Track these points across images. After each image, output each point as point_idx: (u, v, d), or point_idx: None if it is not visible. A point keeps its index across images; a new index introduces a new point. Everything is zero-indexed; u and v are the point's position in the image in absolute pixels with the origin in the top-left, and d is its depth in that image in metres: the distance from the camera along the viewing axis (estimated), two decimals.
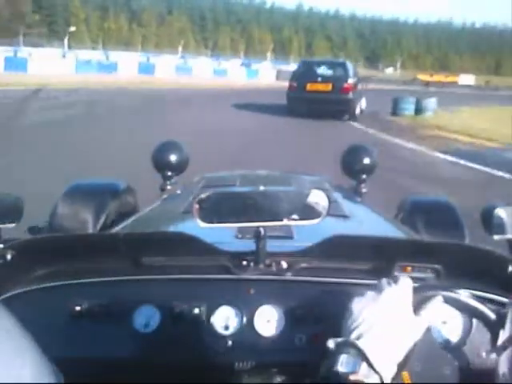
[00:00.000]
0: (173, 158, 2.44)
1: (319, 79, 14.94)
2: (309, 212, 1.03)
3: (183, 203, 1.72)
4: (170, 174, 2.44)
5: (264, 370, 1.02)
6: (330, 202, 1.05)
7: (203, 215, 1.02)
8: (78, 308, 1.04)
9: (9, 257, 1.06)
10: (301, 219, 1.04)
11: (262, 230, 1.05)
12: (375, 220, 1.87)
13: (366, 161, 2.44)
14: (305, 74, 15.35)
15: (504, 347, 0.75)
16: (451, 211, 2.22)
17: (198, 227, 1.03)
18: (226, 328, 1.04)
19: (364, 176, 2.43)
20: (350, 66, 16.02)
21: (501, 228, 1.22)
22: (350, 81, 14.93)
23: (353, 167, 2.46)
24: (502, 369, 0.71)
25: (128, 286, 1.10)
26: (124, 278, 1.10)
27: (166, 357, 1.02)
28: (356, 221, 1.68)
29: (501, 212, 1.22)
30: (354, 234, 1.16)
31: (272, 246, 1.09)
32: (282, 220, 1.03)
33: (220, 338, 1.03)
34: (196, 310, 1.04)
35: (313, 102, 14.45)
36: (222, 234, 1.24)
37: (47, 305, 1.06)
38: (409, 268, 1.09)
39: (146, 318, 1.04)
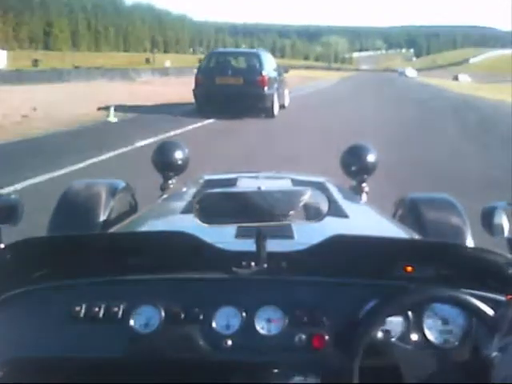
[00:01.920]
0: (173, 158, 2.48)
1: (229, 72, 13.16)
2: (309, 212, 1.05)
3: (183, 203, 1.73)
4: (170, 173, 2.49)
5: (264, 370, 1.02)
6: (330, 202, 1.06)
7: (203, 215, 1.03)
8: (77, 308, 1.04)
9: (8, 257, 1.06)
10: (301, 219, 1.05)
11: (262, 229, 1.05)
12: (375, 220, 1.86)
13: (366, 160, 2.45)
14: (213, 67, 13.57)
15: (503, 348, 0.75)
16: (452, 208, 2.16)
17: (197, 227, 1.03)
18: (227, 328, 1.03)
19: (364, 176, 2.46)
20: (265, 56, 14.19)
21: (501, 228, 1.23)
22: (265, 73, 13.01)
23: (353, 167, 2.47)
24: (503, 370, 0.71)
25: (128, 285, 1.09)
26: (124, 277, 1.10)
27: (166, 357, 1.02)
28: (356, 221, 1.67)
29: (501, 212, 1.24)
30: (354, 234, 1.16)
31: (272, 245, 1.08)
32: (282, 220, 1.03)
33: (220, 337, 1.03)
34: (196, 310, 1.04)
35: (224, 98, 12.61)
36: (222, 234, 1.24)
37: (47, 305, 1.06)
38: (409, 268, 1.10)
39: (146, 318, 1.04)
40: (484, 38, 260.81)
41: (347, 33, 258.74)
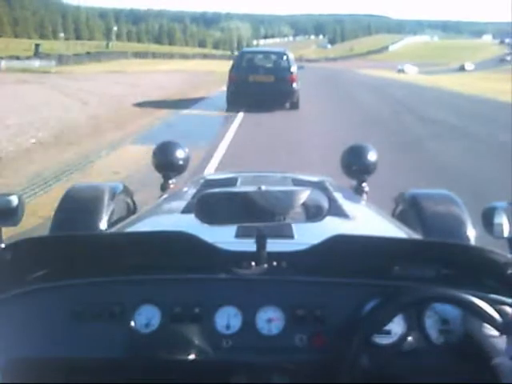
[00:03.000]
0: (173, 157, 2.50)
1: (261, 70, 14.36)
2: (309, 212, 1.03)
3: (183, 203, 1.72)
4: (170, 173, 2.51)
5: (264, 370, 1.02)
6: (330, 201, 1.06)
7: (203, 215, 1.02)
8: (77, 308, 1.04)
9: (8, 257, 1.06)
10: (301, 219, 1.04)
11: (262, 229, 1.05)
12: (376, 220, 1.85)
13: (367, 160, 2.45)
14: (246, 65, 14.66)
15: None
16: (453, 204, 2.13)
17: (197, 227, 1.03)
18: (227, 328, 1.03)
19: (365, 176, 2.46)
20: (291, 55, 15.35)
21: (501, 228, 1.23)
22: (293, 70, 14.31)
23: (353, 167, 2.47)
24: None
25: (128, 285, 1.09)
26: (124, 277, 1.10)
27: (166, 357, 1.02)
28: (357, 221, 1.67)
29: (501, 212, 1.24)
30: (355, 234, 1.17)
31: (272, 245, 1.08)
32: (282, 220, 1.03)
33: (220, 337, 1.03)
34: (196, 310, 1.04)
35: (256, 94, 13.80)
36: (222, 234, 1.23)
37: (47, 305, 1.06)
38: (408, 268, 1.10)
39: (147, 317, 1.04)
40: (387, 26, 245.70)
41: (249, 19, 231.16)
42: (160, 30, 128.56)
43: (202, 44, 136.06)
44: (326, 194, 1.06)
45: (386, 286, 1.05)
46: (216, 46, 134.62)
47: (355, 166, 2.46)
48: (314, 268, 1.09)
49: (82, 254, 1.10)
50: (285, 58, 14.57)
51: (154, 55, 74.39)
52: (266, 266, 1.07)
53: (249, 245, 1.07)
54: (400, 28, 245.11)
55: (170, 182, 2.52)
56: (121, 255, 1.10)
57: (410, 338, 1.02)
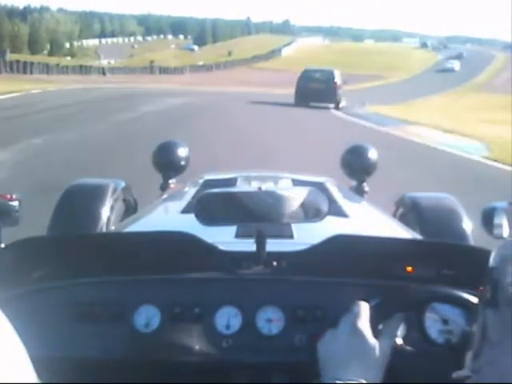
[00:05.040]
0: (173, 157, 2.50)
1: (316, 81, 22.64)
2: (309, 212, 1.04)
3: (183, 203, 1.72)
4: (170, 173, 2.50)
5: (264, 370, 1.03)
6: (330, 201, 1.06)
7: (203, 215, 1.03)
8: (77, 308, 1.04)
9: (8, 257, 1.06)
10: (301, 219, 1.05)
11: (262, 229, 1.05)
12: (376, 220, 1.85)
13: (367, 160, 2.47)
14: (307, 77, 23.19)
15: (477, 370, 0.73)
16: (452, 207, 2.16)
17: (197, 227, 1.03)
18: (227, 328, 1.03)
19: (365, 176, 2.48)
20: (336, 71, 23.98)
21: (501, 228, 1.21)
22: (336, 81, 22.70)
23: (353, 167, 2.50)
24: None
25: (128, 285, 1.09)
26: (124, 277, 1.10)
27: (166, 357, 1.02)
28: (357, 221, 1.67)
29: (501, 212, 1.22)
30: (354, 234, 1.17)
31: (272, 245, 1.08)
32: (282, 220, 1.03)
33: (221, 337, 1.03)
34: (196, 310, 1.04)
35: (312, 96, 22.10)
36: (222, 234, 1.24)
37: (47, 305, 1.05)
38: (409, 268, 1.10)
39: (146, 317, 1.04)
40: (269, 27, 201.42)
41: (80, 16, 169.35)
42: None
43: None
44: (325, 194, 1.06)
45: (386, 286, 1.05)
46: None
47: (355, 165, 2.50)
48: (313, 268, 1.08)
49: (82, 253, 1.10)
50: (331, 73, 23.40)
51: None
52: (265, 266, 1.07)
53: (249, 245, 1.07)
54: (283, 29, 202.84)
55: (170, 181, 2.52)
56: (121, 255, 1.10)
57: (409, 338, 1.02)
